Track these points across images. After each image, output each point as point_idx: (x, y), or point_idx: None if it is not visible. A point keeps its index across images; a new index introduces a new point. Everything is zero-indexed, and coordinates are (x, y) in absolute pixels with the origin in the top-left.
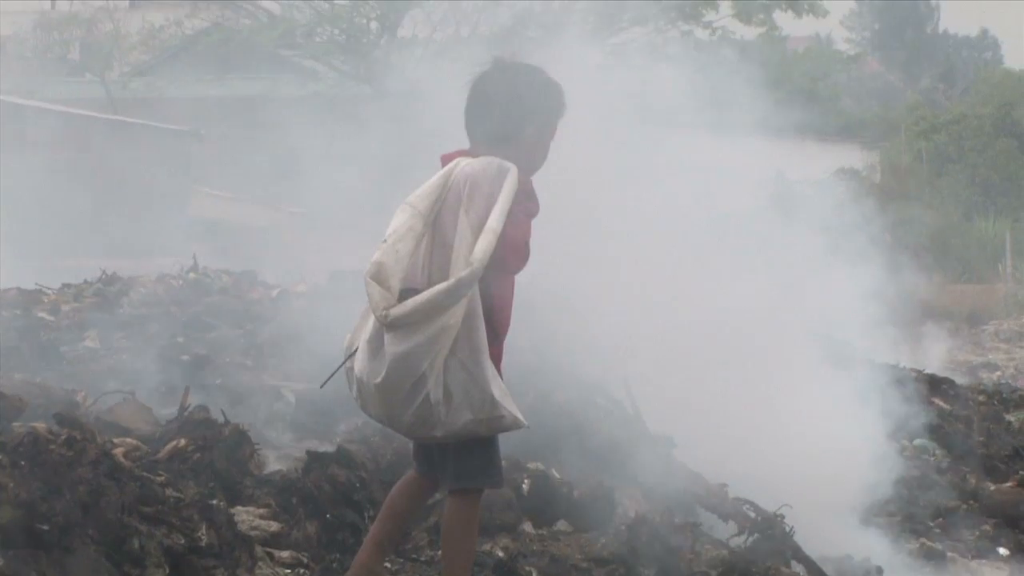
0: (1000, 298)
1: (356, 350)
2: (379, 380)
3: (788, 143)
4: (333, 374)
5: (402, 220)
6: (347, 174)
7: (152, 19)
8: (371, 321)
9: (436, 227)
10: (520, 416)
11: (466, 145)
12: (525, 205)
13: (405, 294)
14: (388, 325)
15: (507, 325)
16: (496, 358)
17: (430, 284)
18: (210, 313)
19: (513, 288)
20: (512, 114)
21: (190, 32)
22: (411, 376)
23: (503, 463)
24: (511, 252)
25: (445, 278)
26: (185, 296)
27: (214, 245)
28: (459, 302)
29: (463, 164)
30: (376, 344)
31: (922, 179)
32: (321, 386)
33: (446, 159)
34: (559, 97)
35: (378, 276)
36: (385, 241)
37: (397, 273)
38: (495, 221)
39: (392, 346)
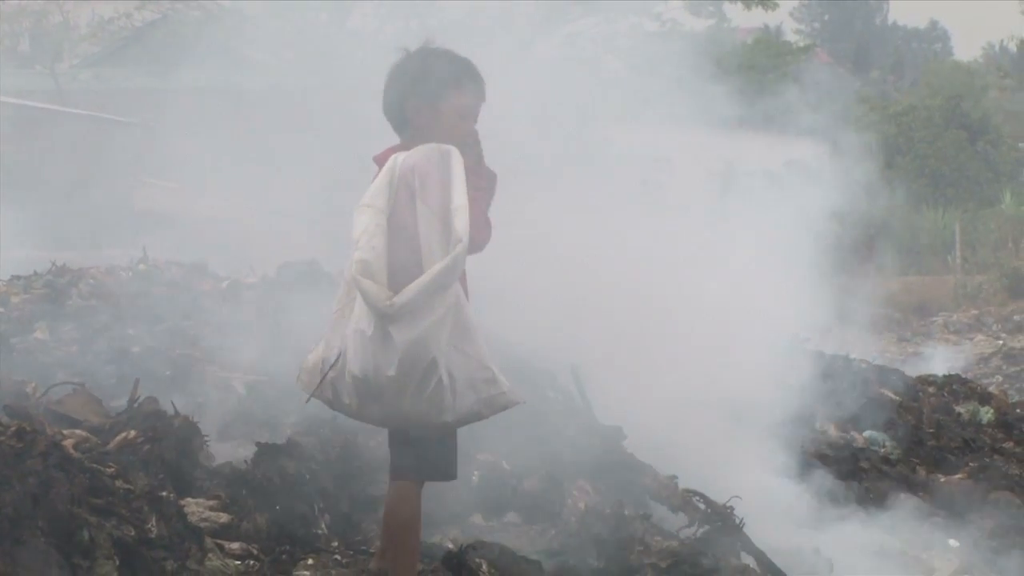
0: (949, 289)
1: (338, 359)
2: (392, 372)
3: (737, 134)
4: (318, 387)
5: (368, 219)
6: (296, 166)
7: (102, 11)
8: (363, 320)
9: (392, 225)
10: (517, 392)
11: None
12: (474, 181)
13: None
14: (393, 316)
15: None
16: None
17: (392, 280)
18: (160, 305)
19: (465, 273)
20: (407, 93)
21: (139, 24)
22: (423, 362)
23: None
24: (475, 230)
25: (409, 273)
26: (135, 288)
27: (163, 236)
28: (456, 280)
29: (401, 158)
30: (382, 337)
31: (871, 171)
32: (307, 401)
33: (380, 159)
34: (458, 68)
35: (367, 272)
36: (358, 242)
37: (382, 268)
38: (460, 197)
39: (401, 335)
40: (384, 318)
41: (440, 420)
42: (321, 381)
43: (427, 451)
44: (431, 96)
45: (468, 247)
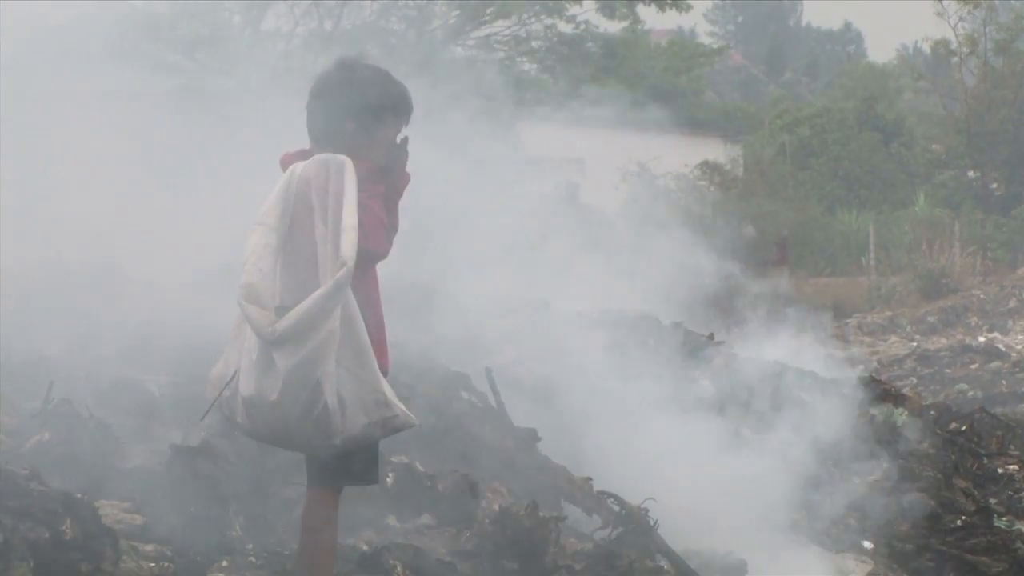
0: (863, 291)
1: (233, 377)
2: (275, 396)
3: (651, 137)
4: (212, 405)
5: (256, 240)
6: (212, 167)
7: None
8: (252, 342)
9: (291, 240)
10: (411, 414)
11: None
12: (370, 189)
13: (279, 311)
14: (276, 341)
15: (380, 315)
16: (379, 350)
17: (285, 297)
18: (74, 306)
19: (376, 280)
20: (344, 112)
21: (53, 26)
22: (307, 387)
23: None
24: (372, 239)
25: (308, 289)
26: (49, 288)
27: (78, 238)
28: (339, 304)
29: (299, 170)
30: (265, 362)
31: (785, 172)
32: (201, 419)
33: (285, 160)
34: (397, 96)
35: (251, 297)
36: (245, 264)
37: (267, 290)
38: (349, 217)
39: (284, 360)
40: (268, 343)
41: (329, 443)
42: (216, 399)
43: (346, 458)
44: (370, 121)
45: (370, 257)
